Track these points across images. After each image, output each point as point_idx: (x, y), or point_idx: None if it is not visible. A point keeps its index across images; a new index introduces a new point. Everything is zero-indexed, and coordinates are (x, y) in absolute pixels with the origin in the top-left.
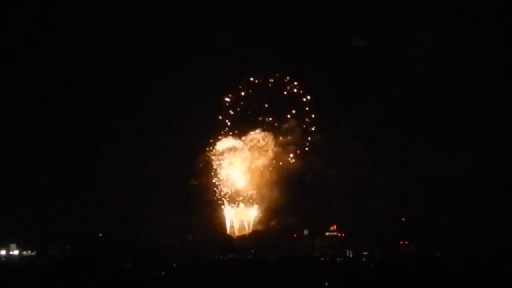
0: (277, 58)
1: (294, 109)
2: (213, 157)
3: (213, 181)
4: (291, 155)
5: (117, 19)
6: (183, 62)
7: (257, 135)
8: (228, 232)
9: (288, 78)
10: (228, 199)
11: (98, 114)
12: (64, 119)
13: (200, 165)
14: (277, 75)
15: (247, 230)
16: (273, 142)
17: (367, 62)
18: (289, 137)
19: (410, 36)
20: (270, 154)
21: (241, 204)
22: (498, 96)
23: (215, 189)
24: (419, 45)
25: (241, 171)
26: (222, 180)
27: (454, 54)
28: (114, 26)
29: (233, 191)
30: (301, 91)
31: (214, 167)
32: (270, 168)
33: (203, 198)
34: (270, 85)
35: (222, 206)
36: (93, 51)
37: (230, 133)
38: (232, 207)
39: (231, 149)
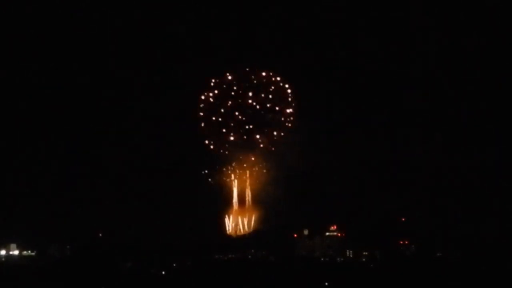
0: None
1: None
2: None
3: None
4: (293, 155)
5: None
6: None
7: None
8: (228, 232)
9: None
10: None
11: (98, 115)
12: (64, 119)
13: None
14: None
15: (247, 230)
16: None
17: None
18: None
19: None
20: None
21: (241, 203)
22: (498, 96)
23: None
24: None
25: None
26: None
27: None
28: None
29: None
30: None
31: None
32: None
33: (203, 199)
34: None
35: (223, 206)
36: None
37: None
38: (232, 207)
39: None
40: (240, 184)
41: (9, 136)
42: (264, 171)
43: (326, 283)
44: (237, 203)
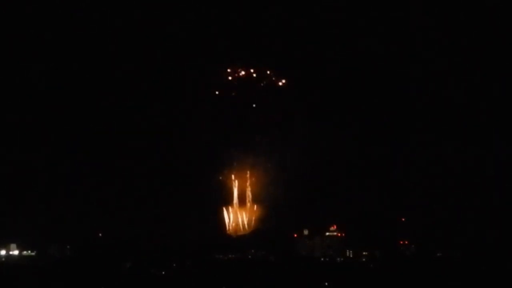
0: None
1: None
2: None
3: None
4: (293, 155)
5: None
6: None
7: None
8: (228, 231)
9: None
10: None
11: (98, 113)
12: (64, 119)
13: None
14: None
15: (247, 230)
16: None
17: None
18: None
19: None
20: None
21: (242, 203)
22: (499, 96)
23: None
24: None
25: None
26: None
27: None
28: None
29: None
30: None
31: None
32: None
33: (204, 199)
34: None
35: (223, 206)
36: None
37: None
38: (232, 207)
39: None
40: (240, 184)
41: (9, 136)
42: (265, 170)
43: (326, 283)
44: (237, 203)
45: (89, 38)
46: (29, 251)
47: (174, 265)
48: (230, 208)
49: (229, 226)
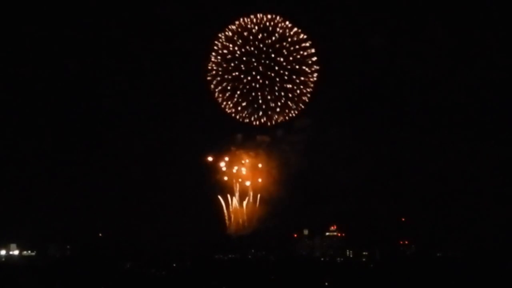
0: None
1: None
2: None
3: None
4: (295, 155)
5: None
6: None
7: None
8: (228, 231)
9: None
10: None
11: (99, 113)
12: (65, 120)
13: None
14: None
15: (247, 230)
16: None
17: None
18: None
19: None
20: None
21: (242, 203)
22: (497, 97)
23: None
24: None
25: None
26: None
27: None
28: None
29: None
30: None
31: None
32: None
33: (205, 199)
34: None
35: (223, 205)
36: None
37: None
38: (233, 207)
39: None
40: (241, 183)
41: (10, 135)
42: (266, 171)
43: (326, 283)
44: (238, 203)
45: (80, 27)
46: (29, 251)
47: (174, 265)
48: (231, 208)
49: (229, 225)
